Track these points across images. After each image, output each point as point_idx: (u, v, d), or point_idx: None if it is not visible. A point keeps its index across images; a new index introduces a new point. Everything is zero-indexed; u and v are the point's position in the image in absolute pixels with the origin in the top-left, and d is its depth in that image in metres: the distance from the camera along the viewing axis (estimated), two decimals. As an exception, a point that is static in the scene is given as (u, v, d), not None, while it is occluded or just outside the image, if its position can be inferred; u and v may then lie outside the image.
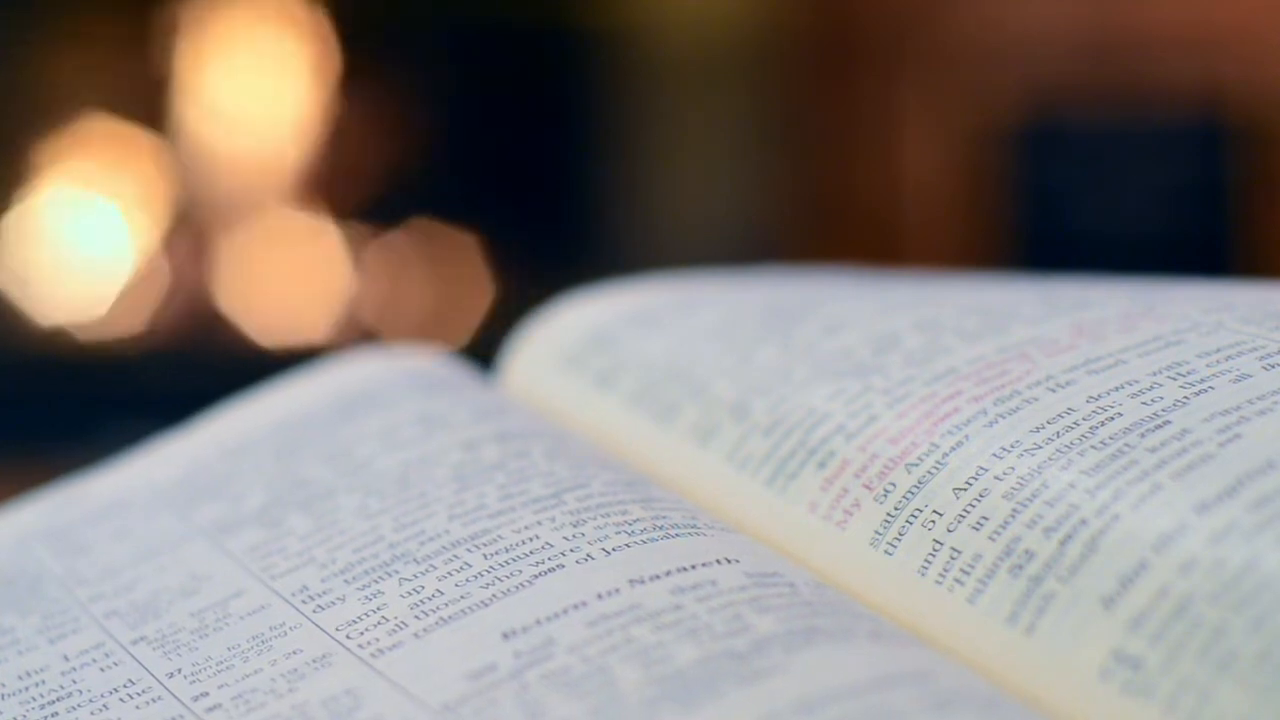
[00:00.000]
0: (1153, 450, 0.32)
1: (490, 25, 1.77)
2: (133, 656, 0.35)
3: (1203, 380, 0.34)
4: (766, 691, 0.28)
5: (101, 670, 0.34)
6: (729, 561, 0.33)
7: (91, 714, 0.33)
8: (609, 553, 0.33)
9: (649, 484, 0.37)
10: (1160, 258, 1.55)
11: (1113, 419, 0.33)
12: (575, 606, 0.32)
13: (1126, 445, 0.32)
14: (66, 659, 0.35)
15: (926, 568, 0.33)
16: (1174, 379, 0.34)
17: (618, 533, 0.34)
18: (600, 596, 0.32)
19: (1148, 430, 0.33)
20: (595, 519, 0.35)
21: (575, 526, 0.34)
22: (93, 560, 0.39)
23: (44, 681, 0.35)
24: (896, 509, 0.34)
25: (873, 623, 0.31)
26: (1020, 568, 0.31)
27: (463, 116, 1.78)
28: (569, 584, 0.32)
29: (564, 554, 0.33)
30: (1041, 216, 1.72)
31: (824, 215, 1.81)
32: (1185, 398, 0.33)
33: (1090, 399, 0.34)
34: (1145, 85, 1.70)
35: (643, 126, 1.77)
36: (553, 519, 0.35)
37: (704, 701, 0.28)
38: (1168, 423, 0.33)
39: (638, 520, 0.34)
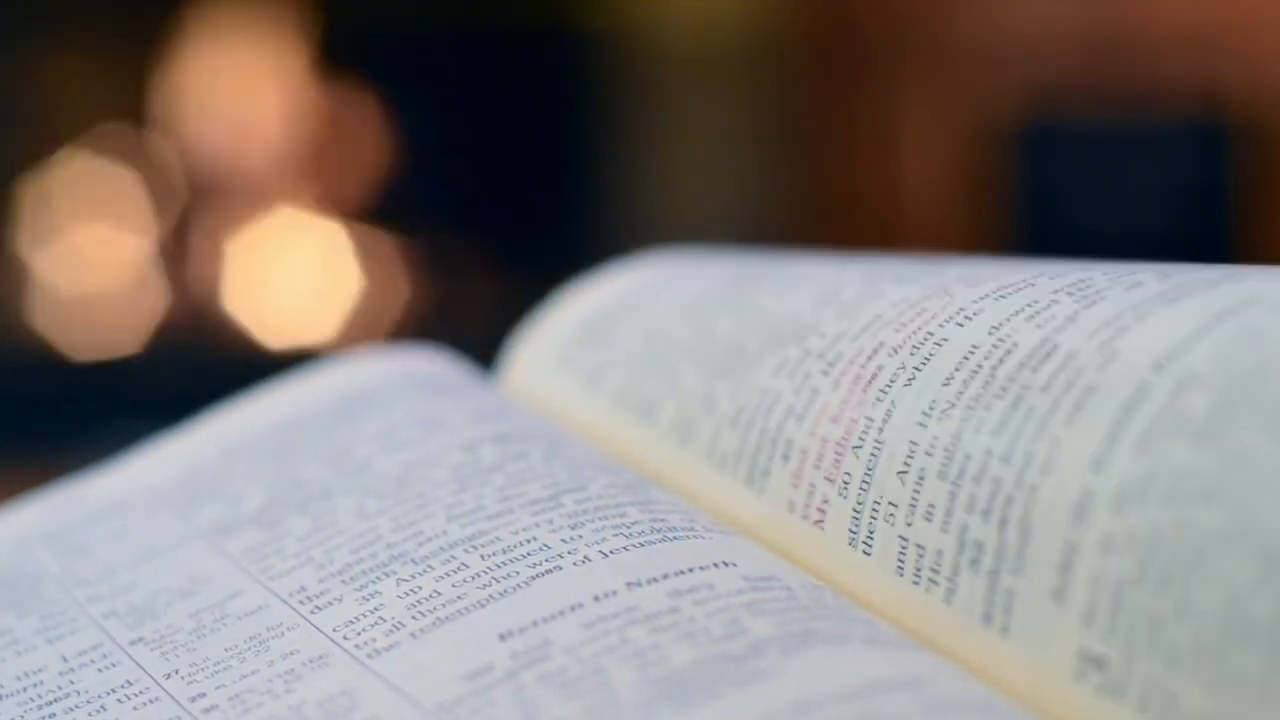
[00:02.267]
0: (1045, 389, 0.31)
1: (491, 26, 1.77)
2: (130, 657, 0.35)
3: (1098, 292, 0.33)
4: (762, 694, 0.28)
5: (99, 671, 0.34)
6: (726, 565, 0.33)
7: (89, 715, 0.33)
8: (606, 555, 0.33)
9: (648, 486, 0.37)
10: (1160, 258, 1.55)
11: (1009, 352, 0.32)
12: (572, 608, 0.32)
13: (1024, 387, 0.31)
14: (65, 660, 0.35)
15: (902, 567, 0.32)
16: (1072, 294, 0.33)
17: (615, 535, 0.34)
18: (597, 598, 0.32)
19: (1039, 362, 0.31)
20: (593, 521, 0.35)
21: (573, 529, 0.34)
22: (91, 561, 0.39)
23: (42, 682, 0.35)
24: (859, 503, 0.33)
25: (868, 626, 0.31)
26: (976, 561, 0.30)
27: (464, 118, 1.78)
28: (566, 585, 0.32)
29: (561, 556, 0.33)
30: (1041, 216, 1.72)
31: (824, 215, 1.81)
32: (1075, 313, 0.32)
33: (992, 329, 0.33)
34: (1145, 85, 1.70)
35: (643, 127, 1.77)
36: (551, 521, 0.35)
37: (699, 703, 0.28)
38: (1055, 347, 0.31)
39: (636, 523, 0.34)
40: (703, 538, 0.34)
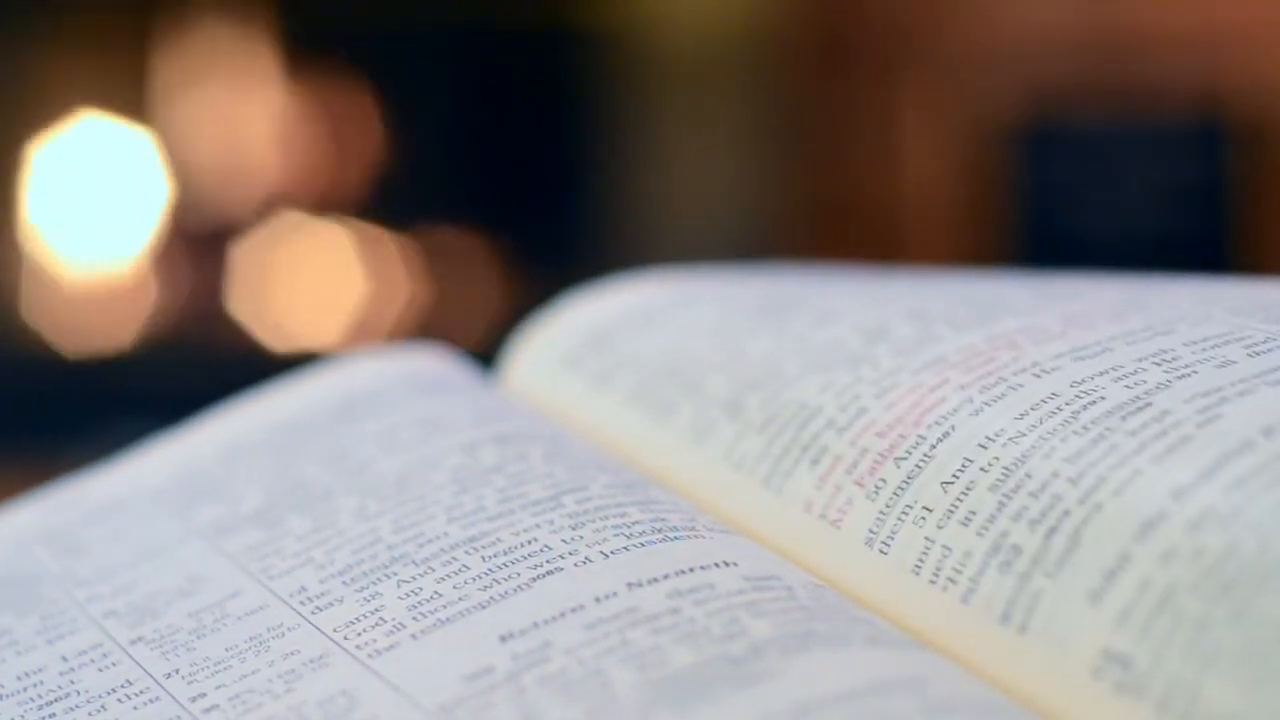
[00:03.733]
0: (1133, 434, 0.32)
1: (491, 26, 1.77)
2: (130, 657, 0.35)
3: (1187, 365, 0.34)
4: (762, 695, 0.29)
5: (99, 671, 0.34)
6: (727, 565, 0.33)
7: (89, 714, 0.33)
8: (607, 555, 0.33)
9: (648, 486, 0.37)
10: (1160, 257, 1.55)
11: (1095, 403, 0.33)
12: (573, 609, 0.32)
13: (1108, 429, 0.32)
14: (65, 659, 0.35)
15: (920, 567, 0.32)
16: (1158, 364, 0.34)
17: (616, 535, 0.34)
18: (598, 599, 0.32)
19: (1129, 413, 0.32)
20: (594, 522, 0.35)
21: (574, 529, 0.34)
22: (91, 561, 0.39)
23: (42, 682, 0.35)
24: (888, 506, 0.34)
25: (870, 627, 0.31)
26: (1009, 564, 0.31)
27: (464, 118, 1.78)
28: (567, 586, 0.32)
29: (562, 557, 0.33)
30: (1041, 216, 1.72)
31: (825, 215, 1.81)
32: (1168, 381, 0.33)
33: (1074, 384, 0.34)
34: (1145, 85, 1.70)
35: (644, 127, 1.77)
36: (551, 522, 0.35)
37: (699, 705, 0.28)
38: (1149, 405, 0.32)
39: (636, 523, 0.34)
40: (703, 537, 0.34)
